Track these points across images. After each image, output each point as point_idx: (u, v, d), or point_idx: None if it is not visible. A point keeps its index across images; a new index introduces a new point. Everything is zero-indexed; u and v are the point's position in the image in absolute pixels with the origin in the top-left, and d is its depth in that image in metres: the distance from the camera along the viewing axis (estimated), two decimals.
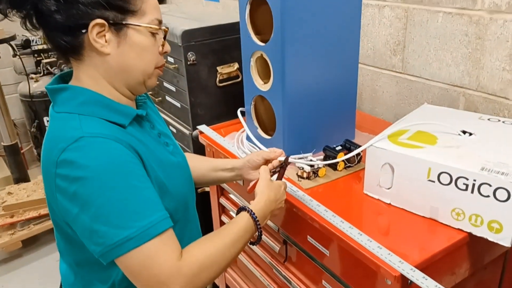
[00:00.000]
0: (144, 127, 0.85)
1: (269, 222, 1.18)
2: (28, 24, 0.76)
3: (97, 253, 0.71)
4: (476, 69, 1.20)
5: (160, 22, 0.81)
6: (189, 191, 0.94)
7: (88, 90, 0.78)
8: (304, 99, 1.18)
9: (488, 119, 1.10)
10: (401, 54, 1.40)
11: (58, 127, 0.76)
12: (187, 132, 1.67)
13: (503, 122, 1.07)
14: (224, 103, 1.67)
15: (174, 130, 1.77)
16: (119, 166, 0.71)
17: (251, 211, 0.84)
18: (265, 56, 1.16)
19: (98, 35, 0.75)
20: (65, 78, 0.84)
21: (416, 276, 0.79)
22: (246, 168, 1.04)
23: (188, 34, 1.53)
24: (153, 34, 0.80)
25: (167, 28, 0.83)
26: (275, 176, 1.01)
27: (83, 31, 0.74)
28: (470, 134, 1.01)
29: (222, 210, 1.52)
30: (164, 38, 0.82)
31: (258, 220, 0.84)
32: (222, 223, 1.53)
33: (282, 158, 1.02)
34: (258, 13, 1.21)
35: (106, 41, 0.76)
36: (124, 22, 0.76)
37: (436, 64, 1.30)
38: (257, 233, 0.86)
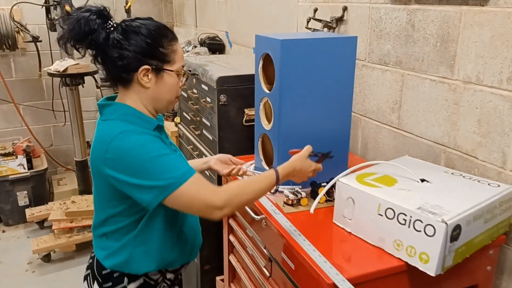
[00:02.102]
0: (161, 133, 1.22)
1: (258, 241, 1.39)
2: (95, 61, 1.17)
3: (147, 200, 1.07)
4: (453, 130, 1.37)
5: (183, 66, 1.22)
6: None
7: (126, 105, 1.17)
8: (298, 139, 1.41)
9: (452, 173, 1.26)
10: (398, 112, 1.59)
11: (104, 129, 1.14)
12: None
13: (463, 176, 1.23)
14: (247, 140, 1.94)
15: None
16: (152, 143, 1.10)
17: (276, 169, 1.17)
18: (269, 101, 1.43)
19: (143, 75, 1.14)
20: (111, 99, 1.23)
21: (345, 286, 0.97)
22: (214, 161, 1.47)
23: (222, 80, 1.85)
24: (178, 76, 1.20)
25: (189, 72, 1.21)
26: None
27: (134, 72, 1.14)
28: (427, 182, 1.18)
29: (231, 230, 1.74)
30: (186, 78, 1.25)
31: (278, 176, 1.16)
32: (230, 242, 1.75)
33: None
34: (271, 66, 1.49)
35: (148, 79, 1.15)
36: (162, 68, 1.15)
37: (423, 123, 1.48)
38: (276, 187, 1.18)
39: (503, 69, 1.19)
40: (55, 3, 2.61)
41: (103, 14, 1.13)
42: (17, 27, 3.21)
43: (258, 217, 1.31)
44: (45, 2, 2.81)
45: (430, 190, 1.14)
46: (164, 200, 1.07)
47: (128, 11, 3.21)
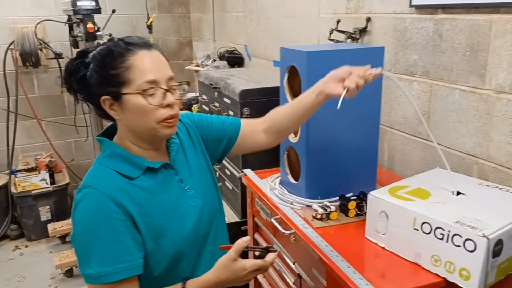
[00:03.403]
0: (159, 177, 1.01)
1: (286, 256, 1.37)
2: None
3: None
4: (486, 141, 1.33)
5: (152, 82, 0.95)
6: (199, 230, 1.05)
7: (115, 145, 1.02)
8: (326, 153, 1.39)
9: (487, 185, 1.22)
10: (426, 123, 1.56)
11: (88, 171, 1.02)
12: (237, 174, 1.94)
13: (500, 188, 1.19)
14: (272, 152, 1.91)
15: (229, 173, 2.05)
16: (98, 219, 0.92)
17: (185, 283, 0.95)
18: None
19: (109, 106, 0.98)
20: (109, 130, 1.08)
21: None
22: (328, 82, 1.03)
23: (244, 93, 1.85)
24: (144, 96, 0.94)
25: (166, 87, 0.96)
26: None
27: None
28: (462, 194, 1.15)
29: (257, 244, 1.72)
30: (166, 91, 0.96)
31: None
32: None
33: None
34: (297, 78, 1.48)
35: (115, 110, 0.98)
36: (120, 93, 0.95)
37: (454, 134, 1.45)
38: None
39: None
40: (78, 20, 2.66)
41: (84, 52, 1.01)
42: (40, 44, 3.28)
43: (287, 232, 1.29)
44: (68, 20, 2.87)
45: (466, 203, 1.10)
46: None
47: (150, 27, 3.26)
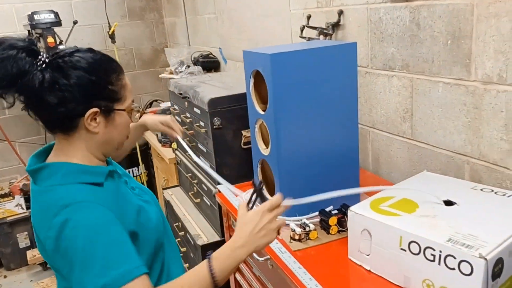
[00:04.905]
0: (115, 178, 1.01)
1: (266, 281, 1.23)
2: (27, 110, 0.93)
3: None
4: (476, 137, 1.20)
5: (133, 101, 1.02)
6: (161, 224, 1.07)
7: (66, 164, 0.94)
8: (301, 163, 1.25)
9: (481, 189, 1.08)
10: (409, 121, 1.42)
11: (46, 199, 0.90)
12: (213, 190, 1.79)
13: (495, 193, 1.05)
14: (248, 164, 1.78)
15: (206, 188, 1.91)
16: (101, 226, 0.86)
17: (211, 264, 0.87)
18: (265, 123, 1.27)
19: (91, 119, 0.94)
20: (41, 155, 1.00)
21: None
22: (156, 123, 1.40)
23: (214, 102, 1.70)
24: (129, 114, 1.01)
25: (138, 108, 1.04)
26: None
27: (80, 117, 0.92)
28: (453, 204, 1.01)
29: (237, 268, 1.58)
30: (140, 115, 1.08)
31: (214, 274, 0.87)
32: (236, 281, 1.58)
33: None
34: (264, 84, 1.34)
35: (97, 124, 0.94)
36: (113, 108, 0.96)
37: (440, 131, 1.31)
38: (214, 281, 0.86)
39: None
40: (38, 35, 2.49)
41: (32, 50, 0.90)
42: None
43: (262, 258, 1.15)
44: (29, 35, 2.71)
45: (458, 215, 0.96)
46: None
47: (112, 36, 3.08)
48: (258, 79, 1.32)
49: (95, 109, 0.93)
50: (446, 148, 1.31)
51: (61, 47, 2.47)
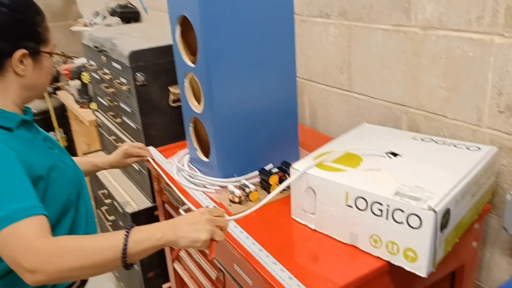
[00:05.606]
0: (32, 131, 0.99)
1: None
2: None
3: None
4: (415, 87, 1.17)
5: (55, 46, 1.00)
6: (75, 187, 1.04)
7: None
8: (238, 120, 1.15)
9: (421, 139, 1.06)
10: (347, 72, 1.37)
11: None
12: None
13: (436, 142, 1.04)
14: (179, 123, 1.64)
15: None
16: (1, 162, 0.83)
17: (127, 233, 0.77)
18: (195, 77, 1.14)
19: (19, 60, 0.91)
20: None
21: None
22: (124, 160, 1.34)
23: (135, 55, 1.51)
24: (52, 57, 0.99)
25: (62, 52, 0.99)
26: None
27: (6, 58, 0.89)
28: (396, 155, 0.97)
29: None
30: (64, 60, 0.95)
31: (126, 242, 0.76)
32: (172, 248, 1.48)
33: None
34: (192, 32, 1.19)
35: (25, 66, 0.92)
36: (39, 50, 0.95)
37: (379, 82, 1.27)
38: (123, 258, 0.76)
39: (470, 7, 0.99)
40: None
41: None
42: None
43: None
44: None
45: (403, 166, 0.93)
46: None
47: None
48: (186, 27, 1.17)
49: (23, 50, 0.91)
50: (385, 98, 1.27)
51: None
